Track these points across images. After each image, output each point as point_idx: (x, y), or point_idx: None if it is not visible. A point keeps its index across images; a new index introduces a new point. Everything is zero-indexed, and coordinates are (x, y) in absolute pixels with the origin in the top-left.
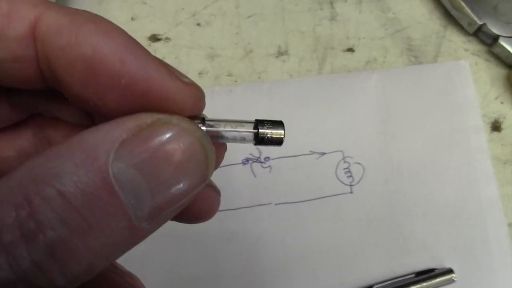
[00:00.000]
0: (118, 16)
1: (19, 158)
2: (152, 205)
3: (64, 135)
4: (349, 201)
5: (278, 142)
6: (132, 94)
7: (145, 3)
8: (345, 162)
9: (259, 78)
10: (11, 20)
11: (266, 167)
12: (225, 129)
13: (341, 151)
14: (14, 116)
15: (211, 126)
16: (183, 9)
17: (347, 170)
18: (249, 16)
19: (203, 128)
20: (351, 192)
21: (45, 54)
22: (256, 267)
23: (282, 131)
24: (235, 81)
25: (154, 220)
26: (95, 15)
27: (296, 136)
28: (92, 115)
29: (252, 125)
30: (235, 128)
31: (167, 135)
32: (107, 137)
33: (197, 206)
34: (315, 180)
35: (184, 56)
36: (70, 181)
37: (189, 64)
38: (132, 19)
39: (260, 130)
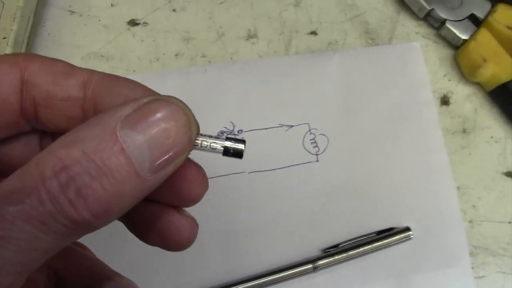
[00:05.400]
0: (99, 2)
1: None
2: (151, 158)
3: None
4: (315, 169)
5: (239, 155)
6: None
7: None
8: (311, 133)
9: (231, 58)
10: None
11: None
12: (204, 140)
13: (307, 123)
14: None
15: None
16: None
17: (313, 140)
18: (221, 3)
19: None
20: (317, 161)
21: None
22: (233, 229)
23: (243, 147)
24: (209, 62)
25: (156, 173)
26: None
27: (266, 110)
28: None
29: (223, 140)
30: (210, 142)
31: (158, 107)
32: (116, 113)
33: (176, 236)
34: (284, 150)
35: (162, 39)
36: (91, 144)
37: (166, 46)
38: (112, 5)
39: (226, 145)
